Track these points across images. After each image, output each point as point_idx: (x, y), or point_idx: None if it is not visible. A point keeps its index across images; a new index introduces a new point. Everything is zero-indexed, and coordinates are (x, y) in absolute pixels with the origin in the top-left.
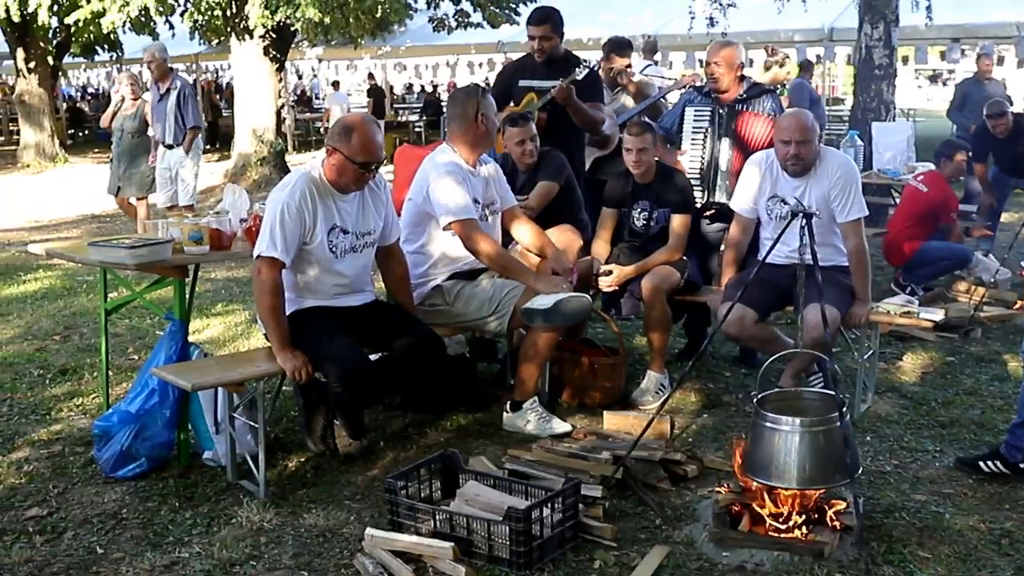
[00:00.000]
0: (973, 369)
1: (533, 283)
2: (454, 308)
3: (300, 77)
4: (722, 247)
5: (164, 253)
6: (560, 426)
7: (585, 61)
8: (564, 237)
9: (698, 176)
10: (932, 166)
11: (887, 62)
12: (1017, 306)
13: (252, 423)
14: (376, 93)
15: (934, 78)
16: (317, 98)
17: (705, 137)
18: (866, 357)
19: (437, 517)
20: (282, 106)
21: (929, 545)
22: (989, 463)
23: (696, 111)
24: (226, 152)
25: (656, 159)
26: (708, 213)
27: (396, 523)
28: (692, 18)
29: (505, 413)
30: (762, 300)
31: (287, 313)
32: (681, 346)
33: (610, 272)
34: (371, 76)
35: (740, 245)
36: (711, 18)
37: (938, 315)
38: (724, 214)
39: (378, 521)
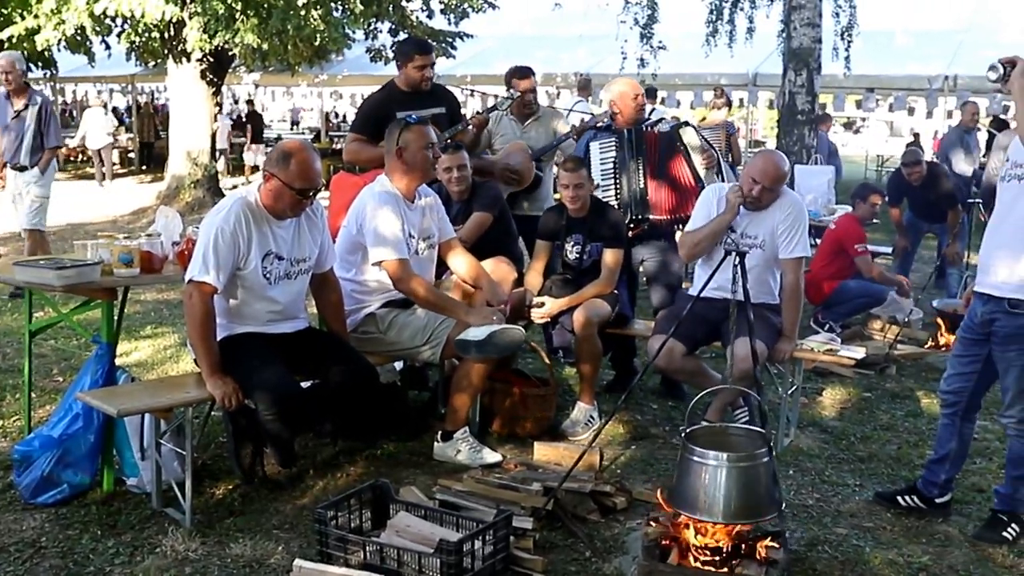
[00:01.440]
0: (889, 405)
1: (465, 317)
2: (387, 336)
3: (236, 102)
4: (642, 276)
5: (93, 275)
6: (491, 456)
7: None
8: (499, 269)
9: (616, 203)
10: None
11: (809, 108)
12: (929, 345)
13: (179, 450)
14: (253, 119)
15: (848, 125)
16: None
17: (615, 166)
18: (789, 392)
19: (367, 548)
20: (217, 129)
21: None
22: (906, 498)
23: (601, 144)
24: (159, 174)
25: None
26: (635, 231)
27: (325, 554)
28: (624, 58)
29: (436, 442)
30: (691, 334)
31: (218, 338)
32: (609, 378)
33: (542, 304)
34: (250, 102)
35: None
36: (642, 59)
37: (859, 353)
38: (651, 231)
39: (307, 552)
